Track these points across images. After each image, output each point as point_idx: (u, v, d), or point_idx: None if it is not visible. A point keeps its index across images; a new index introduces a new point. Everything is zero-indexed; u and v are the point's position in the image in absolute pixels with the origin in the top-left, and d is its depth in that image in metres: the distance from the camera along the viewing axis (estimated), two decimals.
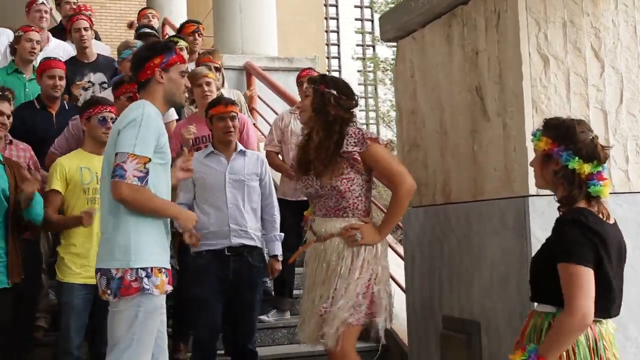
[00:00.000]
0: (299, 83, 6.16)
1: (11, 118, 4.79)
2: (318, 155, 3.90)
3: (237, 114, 4.89)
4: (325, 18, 47.98)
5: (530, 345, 2.76)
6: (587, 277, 2.65)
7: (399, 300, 4.94)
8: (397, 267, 5.50)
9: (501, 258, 3.74)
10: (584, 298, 2.62)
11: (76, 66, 6.48)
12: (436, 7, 4.24)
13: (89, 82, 6.46)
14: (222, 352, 5.17)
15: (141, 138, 3.25)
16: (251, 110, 8.72)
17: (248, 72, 9.23)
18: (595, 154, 2.80)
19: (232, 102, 4.92)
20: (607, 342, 2.78)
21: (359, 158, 3.88)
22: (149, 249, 3.33)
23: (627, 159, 3.73)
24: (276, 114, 7.20)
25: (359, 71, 53.56)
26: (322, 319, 3.88)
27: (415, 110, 4.56)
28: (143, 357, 3.29)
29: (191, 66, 6.78)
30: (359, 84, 54.55)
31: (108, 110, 4.61)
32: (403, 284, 4.94)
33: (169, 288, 3.42)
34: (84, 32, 6.51)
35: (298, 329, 4.13)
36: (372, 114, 50.45)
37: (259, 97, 8.91)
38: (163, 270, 3.36)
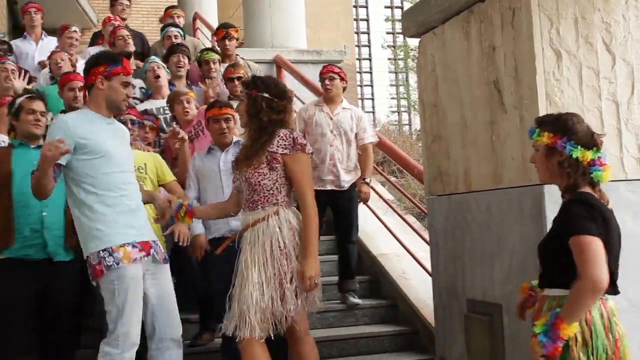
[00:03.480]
0: (321, 79, 6.38)
1: (47, 117, 4.88)
2: (246, 154, 4.03)
3: (232, 115, 5.12)
4: (355, 6, 48.08)
5: (555, 310, 2.92)
6: (595, 246, 2.82)
7: (428, 285, 5.16)
8: (425, 253, 5.71)
9: (520, 244, 3.93)
10: (594, 265, 2.79)
11: None
12: (455, 5, 4.42)
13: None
14: None
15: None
16: None
17: (278, 65, 9.45)
18: (593, 141, 3.01)
19: (227, 105, 5.18)
20: (616, 318, 2.97)
21: (279, 158, 3.94)
22: (103, 231, 3.76)
23: (639, 148, 3.89)
24: None
25: (389, 59, 53.60)
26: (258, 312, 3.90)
27: (437, 104, 4.76)
28: (134, 318, 3.77)
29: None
30: (390, 72, 54.62)
31: (127, 112, 4.98)
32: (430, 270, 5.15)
33: (140, 255, 3.81)
34: (127, 40, 7.15)
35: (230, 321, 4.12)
36: (403, 102, 50.50)
37: None
38: (125, 244, 3.77)
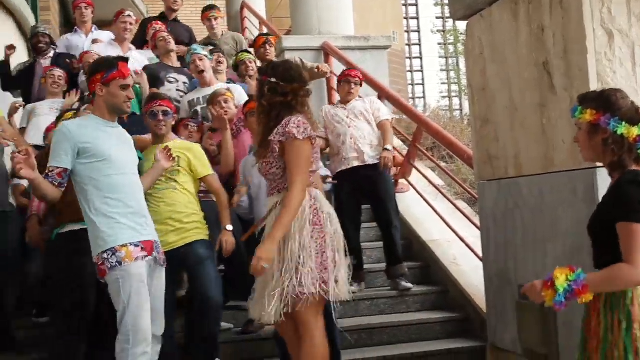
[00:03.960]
0: (346, 81, 6.49)
1: None
2: (259, 144, 4.00)
3: None
4: None
5: (579, 269, 2.82)
6: None
7: (479, 271, 5.10)
8: (476, 239, 5.65)
9: (573, 228, 3.86)
10: None
11: (163, 68, 7.04)
12: None
13: (173, 78, 6.85)
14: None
15: (53, 153, 3.95)
16: (330, 90, 8.94)
17: (325, 52, 9.40)
18: (638, 116, 2.90)
19: None
20: None
21: (277, 146, 3.85)
22: (106, 232, 3.89)
23: None
24: None
25: (439, 44, 53.20)
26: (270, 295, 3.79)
27: (485, 87, 4.69)
28: (142, 313, 3.86)
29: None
30: (440, 57, 54.19)
31: (158, 104, 4.95)
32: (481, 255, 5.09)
33: (141, 255, 3.92)
34: (168, 39, 7.15)
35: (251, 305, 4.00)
36: (454, 87, 50.07)
37: (336, 76, 9.09)
38: (128, 244, 3.89)
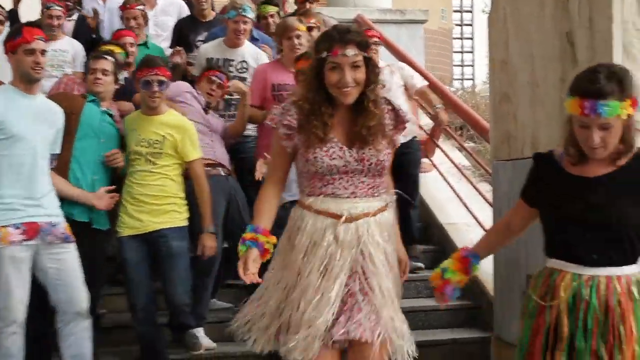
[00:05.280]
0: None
1: (110, 76, 4.51)
2: (370, 129, 2.97)
3: None
4: None
5: None
6: None
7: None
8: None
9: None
10: None
11: (194, 24, 6.61)
12: None
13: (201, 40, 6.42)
14: None
15: None
16: None
17: (358, 25, 9.08)
18: None
19: None
20: None
21: (393, 134, 3.10)
22: None
23: None
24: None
25: None
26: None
27: (507, 61, 4.36)
28: (12, 295, 3.78)
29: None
30: None
31: (154, 72, 4.39)
32: None
33: (20, 238, 3.80)
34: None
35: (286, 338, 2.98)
36: None
37: None
38: (9, 226, 3.78)
